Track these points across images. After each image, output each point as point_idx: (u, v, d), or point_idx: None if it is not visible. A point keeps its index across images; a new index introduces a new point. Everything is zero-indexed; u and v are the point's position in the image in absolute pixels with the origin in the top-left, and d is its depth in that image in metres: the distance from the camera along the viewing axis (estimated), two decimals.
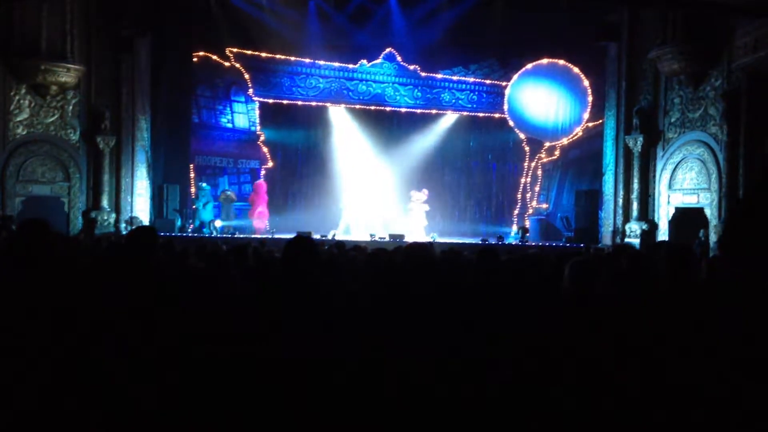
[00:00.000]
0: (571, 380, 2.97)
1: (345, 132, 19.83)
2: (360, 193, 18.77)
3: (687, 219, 14.45)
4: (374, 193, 19.27)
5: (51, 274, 2.89)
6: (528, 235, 17.94)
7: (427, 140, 19.88)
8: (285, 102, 19.25)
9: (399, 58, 19.34)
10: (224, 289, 4.04)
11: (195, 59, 18.11)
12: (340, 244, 8.77)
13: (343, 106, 19.60)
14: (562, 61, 18.92)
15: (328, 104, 19.54)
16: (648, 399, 2.90)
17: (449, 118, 20.14)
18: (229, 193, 18.22)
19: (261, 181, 18.83)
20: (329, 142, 19.76)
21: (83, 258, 5.13)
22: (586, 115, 18.84)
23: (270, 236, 15.43)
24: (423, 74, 19.65)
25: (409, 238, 15.43)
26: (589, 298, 3.50)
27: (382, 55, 19.31)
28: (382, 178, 19.51)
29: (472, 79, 20.05)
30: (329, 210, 19.00)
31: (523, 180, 20.41)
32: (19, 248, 2.96)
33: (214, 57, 18.29)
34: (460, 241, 16.81)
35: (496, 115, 19.97)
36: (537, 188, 20.49)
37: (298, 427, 2.89)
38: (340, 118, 19.78)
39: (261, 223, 18.09)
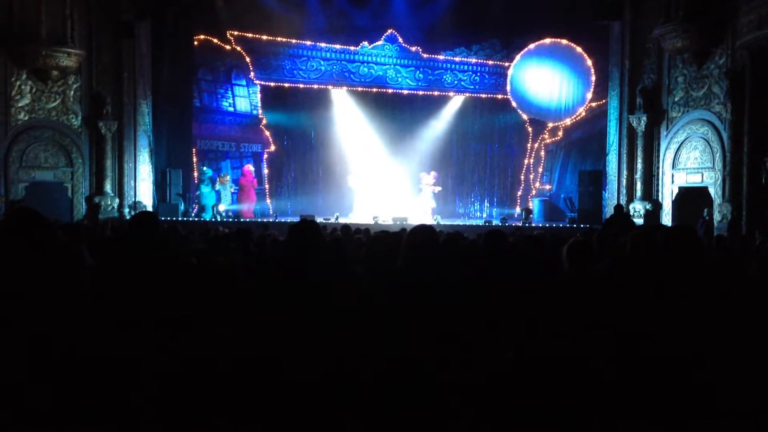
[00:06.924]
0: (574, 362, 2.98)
1: (348, 115, 19.68)
2: (365, 176, 18.70)
3: (691, 198, 14.43)
4: (380, 176, 19.18)
5: (41, 263, 2.86)
6: (532, 216, 17.92)
7: (429, 122, 19.76)
8: (286, 85, 19.14)
9: (400, 40, 19.18)
10: (228, 275, 4.04)
11: (195, 43, 17.97)
12: (346, 228, 8.76)
13: (345, 88, 19.47)
14: (564, 41, 18.76)
15: (329, 87, 19.42)
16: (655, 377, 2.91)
17: (452, 100, 19.98)
18: (224, 176, 18.07)
19: (247, 166, 18.52)
20: (332, 125, 19.62)
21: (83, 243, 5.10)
22: (589, 95, 18.73)
23: (273, 220, 15.42)
24: (425, 55, 19.50)
25: (415, 221, 15.38)
26: (587, 279, 3.50)
27: (383, 36, 19.14)
28: (386, 160, 19.40)
29: (474, 60, 19.88)
30: (332, 193, 19.04)
31: (526, 161, 20.32)
32: (7, 236, 2.93)
33: (215, 40, 18.15)
34: (464, 223, 16.81)
35: (499, 96, 19.84)
36: (540, 169, 20.41)
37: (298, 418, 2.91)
38: (343, 101, 19.64)
39: (248, 207, 17.80)
